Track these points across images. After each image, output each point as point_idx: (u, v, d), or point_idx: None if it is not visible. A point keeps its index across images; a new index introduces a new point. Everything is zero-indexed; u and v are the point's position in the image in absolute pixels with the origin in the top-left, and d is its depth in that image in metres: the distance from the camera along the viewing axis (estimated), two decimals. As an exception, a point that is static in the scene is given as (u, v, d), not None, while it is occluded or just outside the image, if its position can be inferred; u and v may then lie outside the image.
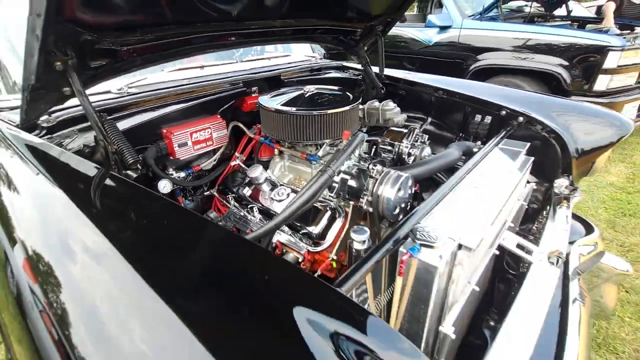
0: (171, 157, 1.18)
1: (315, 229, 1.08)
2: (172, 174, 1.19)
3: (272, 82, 1.50)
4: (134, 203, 0.68)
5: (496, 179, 0.96)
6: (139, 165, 0.94)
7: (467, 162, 1.03)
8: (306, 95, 1.26)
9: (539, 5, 4.37)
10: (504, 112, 1.42)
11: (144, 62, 1.03)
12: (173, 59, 1.13)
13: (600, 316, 1.35)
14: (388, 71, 1.85)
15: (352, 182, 1.00)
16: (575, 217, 1.59)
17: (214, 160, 1.35)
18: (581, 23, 4.05)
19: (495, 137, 1.25)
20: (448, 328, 0.68)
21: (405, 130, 1.32)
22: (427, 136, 1.33)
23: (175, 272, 0.50)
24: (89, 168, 0.78)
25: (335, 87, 1.39)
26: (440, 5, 3.83)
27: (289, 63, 1.74)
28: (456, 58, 3.63)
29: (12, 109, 1.14)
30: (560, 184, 1.31)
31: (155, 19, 0.92)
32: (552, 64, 2.99)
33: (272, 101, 1.22)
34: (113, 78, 1.03)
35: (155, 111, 1.16)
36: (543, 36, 3.02)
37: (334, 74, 1.92)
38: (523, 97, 1.52)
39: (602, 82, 2.80)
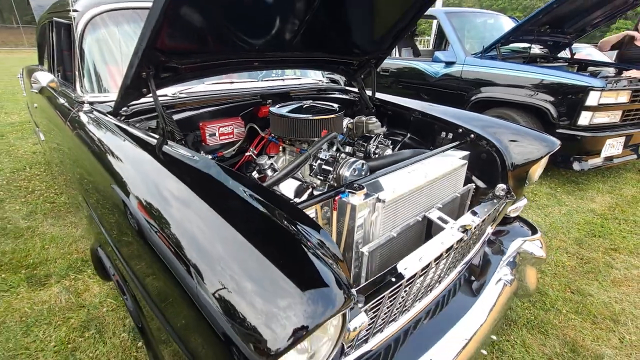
0: (203, 143, 1.65)
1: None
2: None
3: (283, 97, 1.97)
4: (187, 162, 1.10)
5: (428, 169, 1.35)
6: (183, 143, 1.40)
7: (412, 159, 1.43)
8: (304, 107, 1.71)
9: (542, 47, 4.75)
10: (460, 130, 1.80)
11: (193, 77, 1.52)
12: (213, 75, 1.63)
13: (524, 295, 1.64)
14: (382, 96, 2.29)
15: (325, 166, 1.42)
16: (524, 221, 1.91)
17: (233, 151, 1.81)
18: (583, 65, 4.37)
19: (444, 146, 1.63)
20: (365, 249, 1.07)
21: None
22: (390, 141, 1.74)
23: (229, 204, 0.88)
24: (154, 139, 1.25)
25: (327, 103, 1.84)
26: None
27: (299, 84, 2.22)
28: (459, 90, 4.04)
29: (100, 102, 1.66)
30: (499, 188, 1.65)
31: (204, 50, 1.42)
32: (541, 99, 3.33)
33: (279, 109, 1.68)
34: (173, 85, 1.53)
35: (196, 110, 1.66)
36: (533, 75, 3.39)
37: (337, 95, 2.38)
38: (476, 118, 1.90)
39: (584, 118, 3.09)
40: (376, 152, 1.66)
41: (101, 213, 1.27)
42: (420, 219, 1.30)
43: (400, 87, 4.83)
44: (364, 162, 1.39)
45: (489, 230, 1.77)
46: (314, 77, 2.43)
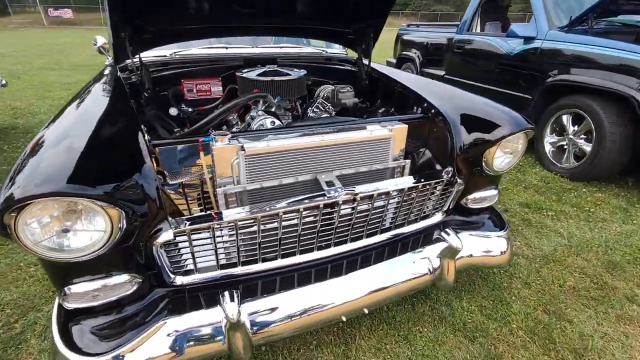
0: (183, 97, 1.96)
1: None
2: (183, 107, 1.97)
3: (268, 62, 2.12)
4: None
5: (331, 135, 1.34)
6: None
7: (330, 124, 1.45)
8: (267, 71, 1.84)
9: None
10: (425, 104, 1.67)
11: (174, 39, 1.83)
12: (194, 39, 1.91)
13: (444, 287, 1.48)
14: (382, 68, 2.19)
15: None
16: (495, 214, 1.70)
17: (216, 107, 2.08)
18: None
19: (383, 117, 1.56)
20: (220, 191, 1.20)
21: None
22: (331, 107, 1.74)
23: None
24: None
25: (294, 69, 1.91)
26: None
27: (295, 52, 2.32)
28: (533, 71, 3.40)
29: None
30: (445, 171, 1.50)
31: (173, 14, 1.68)
32: (629, 86, 2.57)
33: (245, 72, 1.85)
34: (159, 46, 1.86)
35: (183, 69, 1.97)
36: (627, 55, 2.62)
37: (336, 66, 2.38)
38: (445, 92, 1.71)
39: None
40: (312, 114, 1.70)
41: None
42: (309, 178, 1.34)
43: (475, 67, 4.31)
44: (275, 120, 1.48)
45: (439, 216, 1.63)
46: (318, 48, 2.48)
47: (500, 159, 1.51)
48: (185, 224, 1.07)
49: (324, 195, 1.22)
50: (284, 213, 1.17)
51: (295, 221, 1.23)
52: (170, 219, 1.06)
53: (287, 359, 1.39)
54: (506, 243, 1.61)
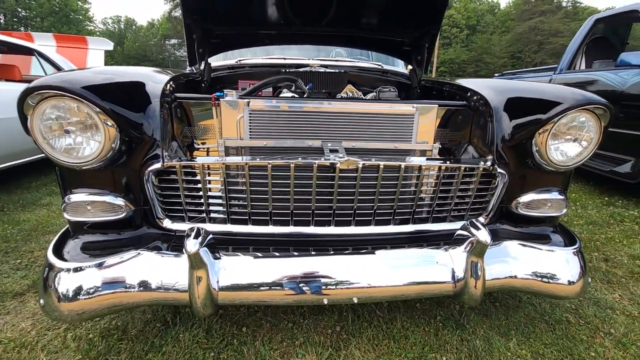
0: (240, 95, 2.17)
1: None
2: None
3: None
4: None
5: (345, 104, 1.28)
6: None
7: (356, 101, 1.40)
8: (311, 70, 1.93)
9: None
10: (468, 94, 1.49)
11: (239, 44, 2.09)
12: (257, 45, 2.15)
13: (469, 301, 1.10)
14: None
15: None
16: (562, 229, 1.33)
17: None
18: None
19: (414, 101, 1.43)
20: (221, 141, 1.22)
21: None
22: (361, 94, 1.67)
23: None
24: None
25: (337, 70, 1.95)
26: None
27: (350, 65, 2.38)
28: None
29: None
30: (486, 160, 1.27)
31: (239, 24, 1.94)
32: None
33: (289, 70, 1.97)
34: (227, 50, 2.14)
35: (244, 71, 2.21)
36: None
37: (389, 77, 2.34)
38: (502, 84, 1.45)
39: None
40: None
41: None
42: (315, 145, 1.26)
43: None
44: (295, 95, 1.49)
45: (481, 221, 1.32)
46: (375, 63, 2.50)
47: (560, 147, 1.18)
48: (178, 159, 1.11)
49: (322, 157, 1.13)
50: (273, 167, 1.11)
51: (289, 186, 1.15)
52: (164, 153, 1.11)
53: (265, 346, 1.21)
54: (578, 264, 1.18)
